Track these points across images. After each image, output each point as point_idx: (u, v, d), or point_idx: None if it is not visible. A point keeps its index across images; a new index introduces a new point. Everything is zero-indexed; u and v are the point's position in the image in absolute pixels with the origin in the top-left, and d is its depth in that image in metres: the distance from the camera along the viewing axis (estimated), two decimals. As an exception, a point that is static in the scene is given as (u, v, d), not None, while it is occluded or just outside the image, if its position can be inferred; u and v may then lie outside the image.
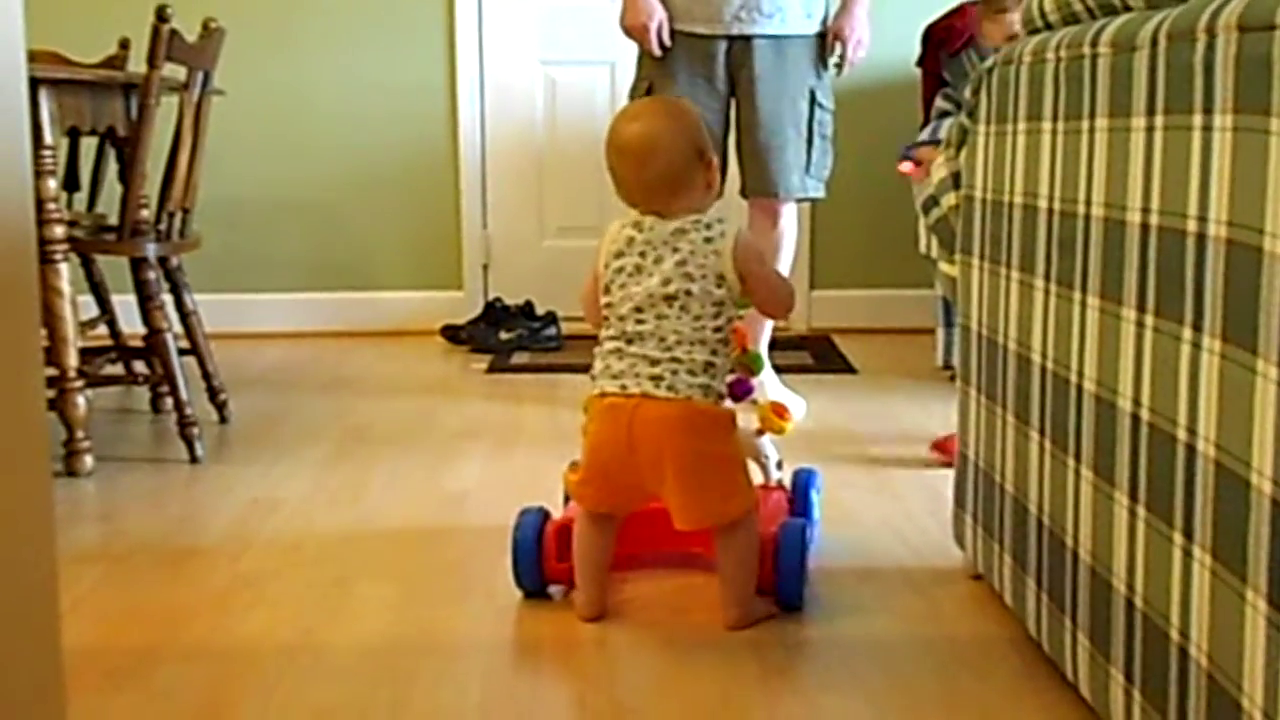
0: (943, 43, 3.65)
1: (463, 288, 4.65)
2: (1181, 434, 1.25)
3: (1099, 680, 1.49)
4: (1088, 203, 1.49)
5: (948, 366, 3.54)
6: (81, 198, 3.66)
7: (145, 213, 3.01)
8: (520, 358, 4.14)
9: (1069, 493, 1.56)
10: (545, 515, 2.07)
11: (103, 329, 3.57)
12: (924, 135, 3.37)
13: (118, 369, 3.42)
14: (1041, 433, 1.66)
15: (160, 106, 2.86)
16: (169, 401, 3.08)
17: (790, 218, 3.28)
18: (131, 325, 3.37)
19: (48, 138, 2.72)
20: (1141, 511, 1.35)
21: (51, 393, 2.70)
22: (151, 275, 3.00)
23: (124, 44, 3.56)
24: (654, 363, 1.87)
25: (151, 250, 3.00)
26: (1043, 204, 1.65)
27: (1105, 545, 1.45)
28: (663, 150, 1.91)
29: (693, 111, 2.03)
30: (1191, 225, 1.23)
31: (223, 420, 3.28)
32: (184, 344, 3.18)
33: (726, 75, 3.19)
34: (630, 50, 3.28)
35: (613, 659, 1.86)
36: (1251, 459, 1.12)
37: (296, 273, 4.64)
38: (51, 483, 1.42)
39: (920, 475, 2.74)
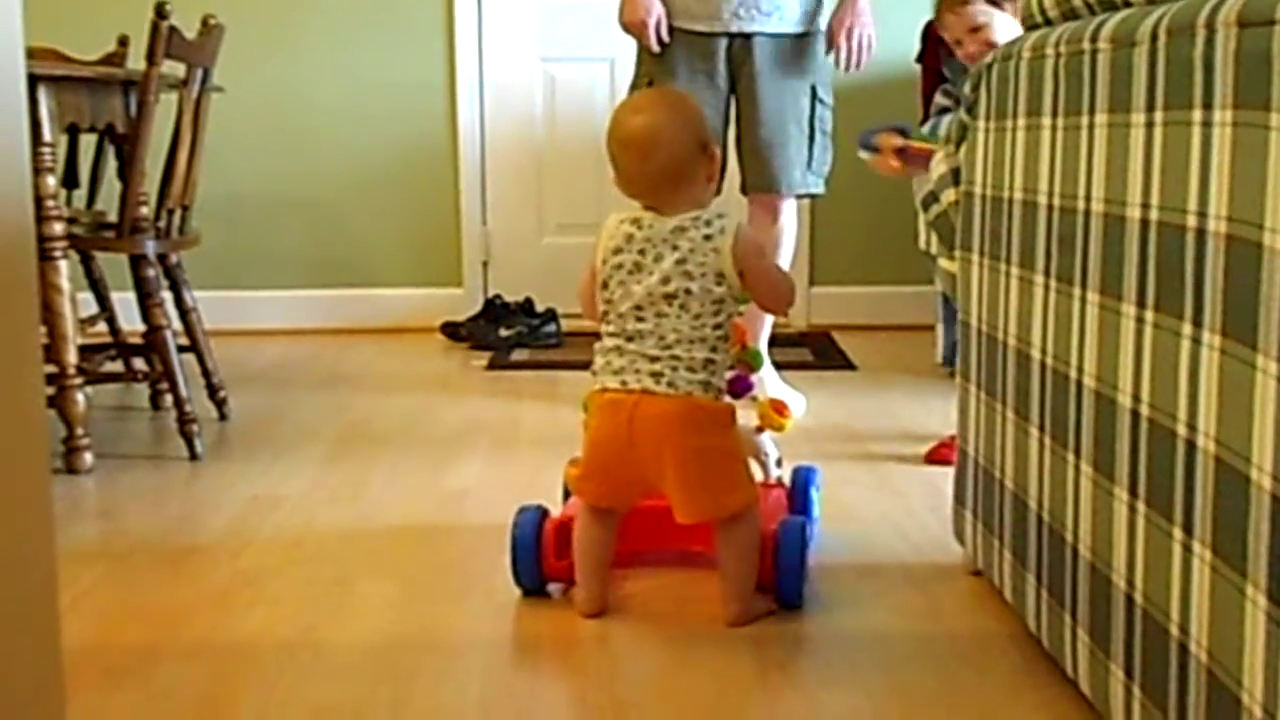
0: (942, 39, 3.65)
1: (462, 285, 4.65)
2: (1181, 429, 1.25)
3: (1099, 676, 1.49)
4: (1087, 198, 1.49)
5: (948, 363, 3.53)
6: (81, 195, 3.65)
7: (144, 210, 3.01)
8: (520, 355, 4.14)
9: (1069, 488, 1.56)
10: (544, 513, 2.07)
11: (102, 326, 3.57)
12: (932, 127, 3.35)
13: (117, 366, 3.42)
14: (1041, 429, 1.66)
15: (159, 103, 2.86)
16: (168, 399, 3.08)
17: (790, 214, 3.28)
18: (131, 322, 3.37)
19: (47, 135, 2.72)
20: (1141, 507, 1.35)
21: (51, 390, 2.70)
22: (151, 272, 3.00)
23: (123, 41, 3.56)
24: (653, 359, 1.87)
25: (151, 247, 3.00)
26: (1042, 200, 1.64)
27: (1105, 541, 1.45)
28: (666, 142, 1.90)
29: (695, 103, 2.03)
30: (1191, 221, 1.22)
31: (222, 417, 3.28)
32: (183, 341, 3.18)
33: (727, 72, 3.19)
34: (629, 47, 3.28)
35: (613, 655, 1.86)
36: (1251, 454, 1.12)
37: (296, 270, 4.64)
38: (50, 480, 1.42)
39: (920, 471, 2.74)
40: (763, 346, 3.26)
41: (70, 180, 3.62)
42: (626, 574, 2.10)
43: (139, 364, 3.42)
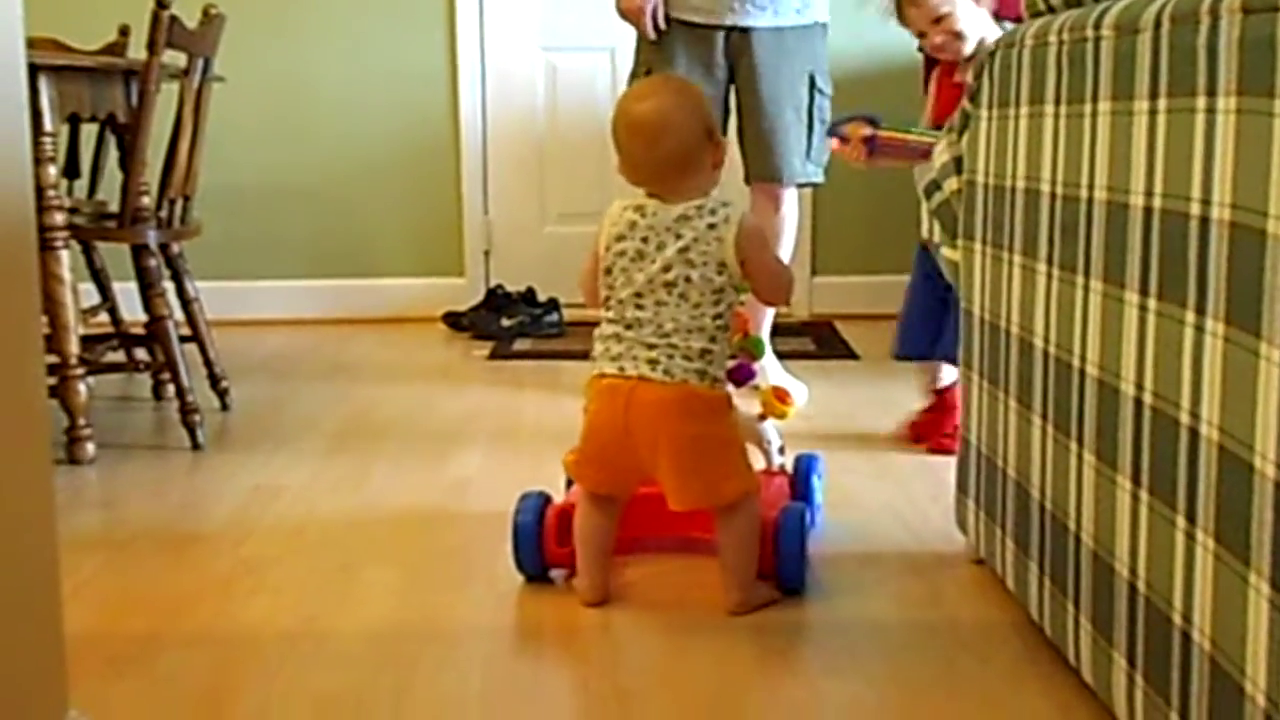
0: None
1: (464, 274, 4.65)
2: (1184, 418, 1.25)
3: (1101, 664, 1.49)
4: (1090, 187, 1.49)
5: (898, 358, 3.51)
6: (82, 185, 3.65)
7: (146, 200, 3.00)
8: (522, 344, 4.14)
9: (1071, 477, 1.56)
10: (546, 499, 2.07)
11: (104, 316, 3.57)
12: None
13: (119, 356, 3.42)
14: (1044, 417, 1.66)
15: (160, 93, 2.86)
16: (170, 389, 3.09)
17: (792, 203, 3.28)
18: (133, 312, 3.37)
19: (48, 124, 2.72)
20: (1144, 495, 1.35)
21: (53, 380, 2.70)
22: (152, 262, 3.00)
23: (124, 30, 3.55)
24: (651, 347, 1.87)
25: (152, 237, 2.99)
26: (1045, 188, 1.64)
27: (1108, 529, 1.45)
28: (674, 129, 1.90)
29: (700, 91, 2.03)
30: (1195, 209, 1.22)
31: (224, 407, 3.28)
32: (185, 331, 3.18)
33: (725, 63, 3.19)
34: (631, 36, 3.28)
35: (615, 643, 1.86)
36: (1255, 442, 1.12)
37: (298, 260, 4.63)
38: (52, 470, 1.42)
39: (922, 460, 2.74)
40: (765, 335, 3.26)
41: (71, 170, 3.62)
42: (628, 561, 2.10)
43: (141, 354, 3.42)
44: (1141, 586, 1.36)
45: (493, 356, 3.98)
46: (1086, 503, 1.51)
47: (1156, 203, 1.31)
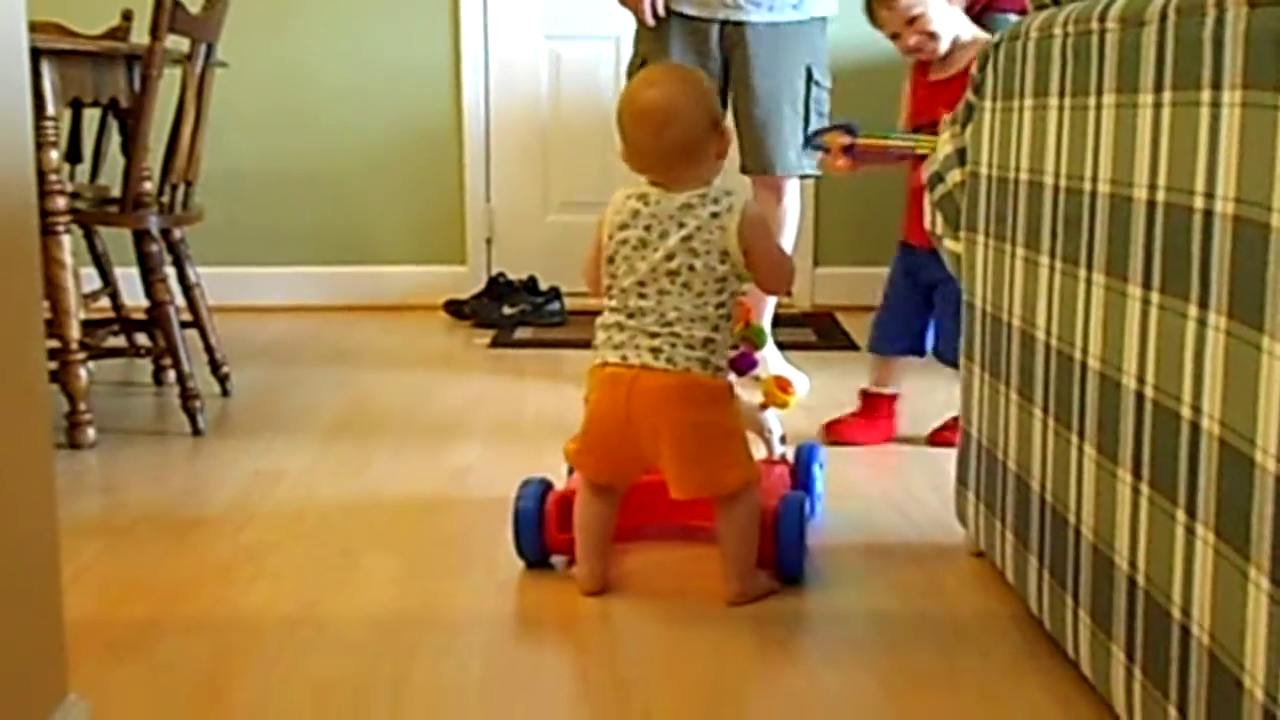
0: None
1: (466, 262, 4.65)
2: (1186, 411, 1.25)
3: (1100, 657, 1.49)
4: (1094, 179, 1.49)
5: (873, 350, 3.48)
6: (84, 169, 3.65)
7: (148, 185, 3.00)
8: (523, 333, 4.14)
9: (1072, 470, 1.56)
10: (548, 486, 2.07)
11: (105, 301, 3.57)
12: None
13: (120, 341, 3.42)
14: (1045, 410, 1.66)
15: (163, 78, 2.85)
16: (171, 374, 3.09)
17: (794, 194, 3.28)
18: (134, 298, 3.37)
19: (50, 109, 2.72)
20: (1145, 489, 1.35)
21: (53, 365, 2.70)
22: (154, 248, 3.00)
23: (126, 15, 3.54)
24: (653, 335, 1.87)
25: (154, 222, 2.99)
26: (1048, 180, 1.64)
27: (1108, 522, 1.45)
28: (680, 117, 1.89)
29: (706, 80, 2.02)
30: (1198, 202, 1.22)
31: (225, 393, 3.28)
32: (186, 317, 3.18)
33: (720, 55, 3.19)
34: (634, 25, 3.27)
35: (614, 632, 1.87)
36: (1256, 436, 1.12)
37: (300, 246, 4.63)
38: (53, 455, 1.42)
39: (922, 452, 2.75)
40: (766, 325, 3.25)
41: (73, 155, 3.61)
42: (627, 549, 2.11)
43: (142, 339, 3.42)
44: (1141, 580, 1.36)
45: (494, 345, 3.98)
46: (1087, 496, 1.51)
47: (1160, 196, 1.31)
